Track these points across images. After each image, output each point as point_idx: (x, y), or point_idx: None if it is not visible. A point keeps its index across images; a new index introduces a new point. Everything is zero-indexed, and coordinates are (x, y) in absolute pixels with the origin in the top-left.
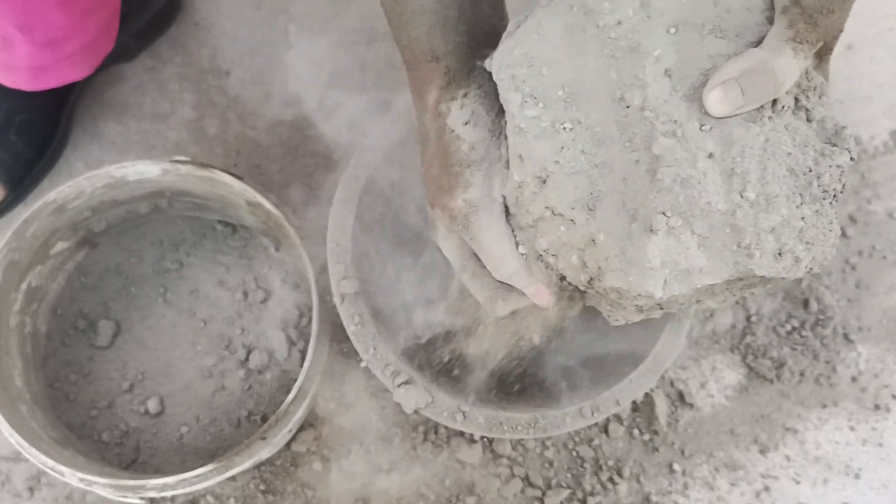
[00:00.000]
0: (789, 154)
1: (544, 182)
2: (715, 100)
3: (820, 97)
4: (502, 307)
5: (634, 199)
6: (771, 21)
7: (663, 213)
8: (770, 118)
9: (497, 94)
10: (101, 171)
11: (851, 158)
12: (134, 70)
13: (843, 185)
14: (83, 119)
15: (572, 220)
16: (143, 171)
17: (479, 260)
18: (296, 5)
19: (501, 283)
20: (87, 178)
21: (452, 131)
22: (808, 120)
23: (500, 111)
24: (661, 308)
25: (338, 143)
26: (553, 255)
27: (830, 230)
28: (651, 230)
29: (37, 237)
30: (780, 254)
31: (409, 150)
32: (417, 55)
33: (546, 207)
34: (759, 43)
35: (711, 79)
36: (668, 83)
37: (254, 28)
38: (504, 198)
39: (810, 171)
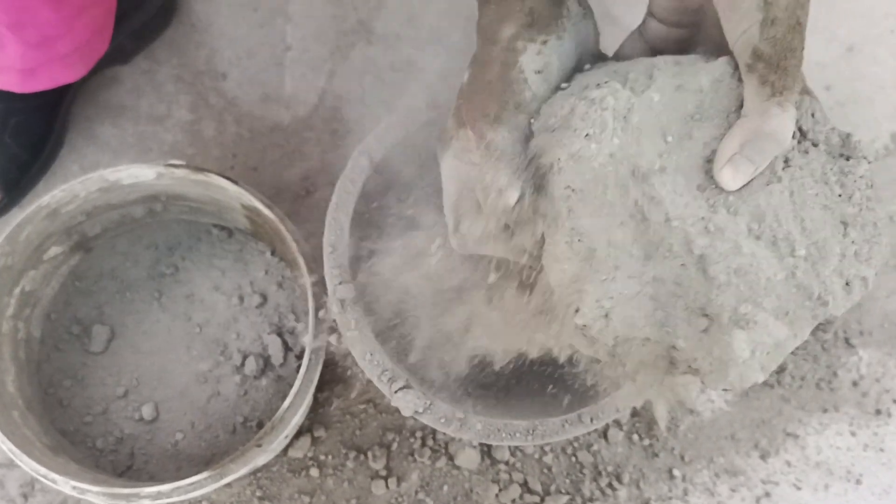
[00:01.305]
0: (816, 194)
1: (607, 317)
2: (728, 178)
3: (813, 115)
4: (466, 245)
5: (696, 299)
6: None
7: (734, 308)
8: (784, 168)
9: (572, 51)
10: (95, 175)
11: (869, 162)
12: (130, 72)
13: (871, 183)
14: (78, 121)
15: (647, 338)
16: (138, 174)
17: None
18: (294, 7)
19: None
20: (80, 182)
21: (522, 72)
22: (815, 145)
23: (571, 68)
24: None
25: (335, 146)
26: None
27: (879, 232)
28: (730, 327)
29: (30, 241)
30: (847, 284)
31: (407, 153)
32: None
33: (617, 336)
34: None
35: (716, 161)
36: (679, 188)
37: (251, 29)
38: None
39: (839, 196)
